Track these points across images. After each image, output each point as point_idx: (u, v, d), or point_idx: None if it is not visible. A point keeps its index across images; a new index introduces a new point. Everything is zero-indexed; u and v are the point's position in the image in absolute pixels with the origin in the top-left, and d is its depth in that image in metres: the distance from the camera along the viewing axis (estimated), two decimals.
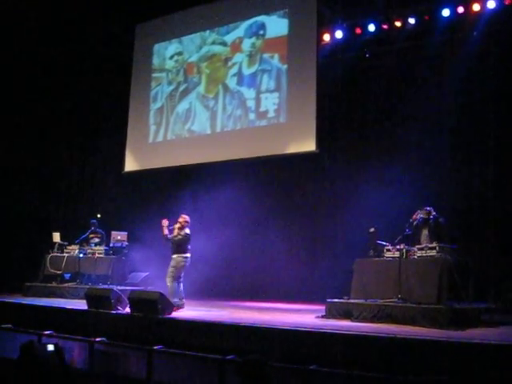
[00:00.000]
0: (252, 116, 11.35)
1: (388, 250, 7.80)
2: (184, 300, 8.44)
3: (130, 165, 12.94)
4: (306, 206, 11.64)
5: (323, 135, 10.67)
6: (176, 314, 7.75)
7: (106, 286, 9.86)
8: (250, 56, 11.53)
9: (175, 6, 12.35)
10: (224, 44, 11.94)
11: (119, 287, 9.42)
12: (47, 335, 7.38)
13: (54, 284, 10.68)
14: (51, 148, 13.67)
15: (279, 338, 6.23)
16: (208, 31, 12.19)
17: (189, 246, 8.56)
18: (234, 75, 11.68)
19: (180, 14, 12.59)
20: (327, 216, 11.32)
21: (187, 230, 8.58)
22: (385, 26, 10.63)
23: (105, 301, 7.99)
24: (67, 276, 10.89)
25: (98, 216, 12.26)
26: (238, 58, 11.68)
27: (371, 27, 10.70)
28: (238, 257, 11.77)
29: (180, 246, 8.48)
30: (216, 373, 5.92)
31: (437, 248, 7.36)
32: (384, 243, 7.94)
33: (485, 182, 9.69)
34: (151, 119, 12.81)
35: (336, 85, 11.19)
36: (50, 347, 4.24)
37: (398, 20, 10.43)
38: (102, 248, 10.92)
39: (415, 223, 7.99)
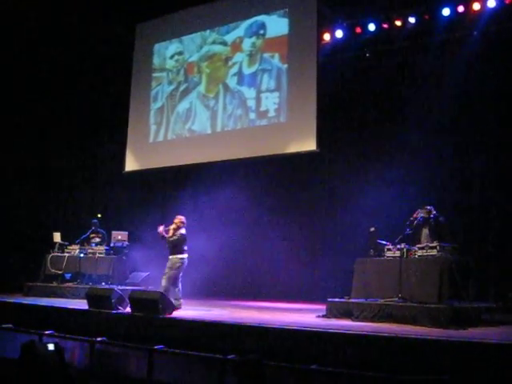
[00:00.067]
0: (252, 116, 11.35)
1: (388, 250, 7.81)
2: (181, 300, 8.39)
3: (131, 165, 12.93)
4: (307, 205, 11.65)
5: (323, 135, 10.67)
6: (176, 314, 7.74)
7: (106, 286, 9.89)
8: (251, 55, 11.52)
9: (175, 5, 12.35)
10: (224, 44, 11.94)
11: (120, 287, 9.42)
12: (48, 335, 7.37)
13: (54, 284, 10.69)
14: (51, 148, 13.67)
15: (280, 338, 6.22)
16: (208, 31, 12.19)
17: (185, 247, 8.48)
18: (235, 75, 11.67)
19: (180, 14, 12.59)
20: (327, 215, 11.33)
21: (183, 231, 8.51)
22: (385, 26, 10.64)
23: (105, 301, 7.98)
24: (68, 276, 10.91)
25: (99, 216, 12.27)
26: (239, 57, 11.68)
27: (371, 27, 10.71)
28: (238, 256, 11.78)
29: (176, 246, 8.43)
30: (216, 372, 5.92)
31: (437, 247, 7.36)
32: (384, 242, 7.94)
33: (485, 182, 9.69)
34: (151, 119, 12.80)
35: (336, 84, 11.18)
36: (51, 347, 4.24)
37: (398, 19, 10.43)
38: (102, 248, 10.92)
39: (415, 222, 7.98)
